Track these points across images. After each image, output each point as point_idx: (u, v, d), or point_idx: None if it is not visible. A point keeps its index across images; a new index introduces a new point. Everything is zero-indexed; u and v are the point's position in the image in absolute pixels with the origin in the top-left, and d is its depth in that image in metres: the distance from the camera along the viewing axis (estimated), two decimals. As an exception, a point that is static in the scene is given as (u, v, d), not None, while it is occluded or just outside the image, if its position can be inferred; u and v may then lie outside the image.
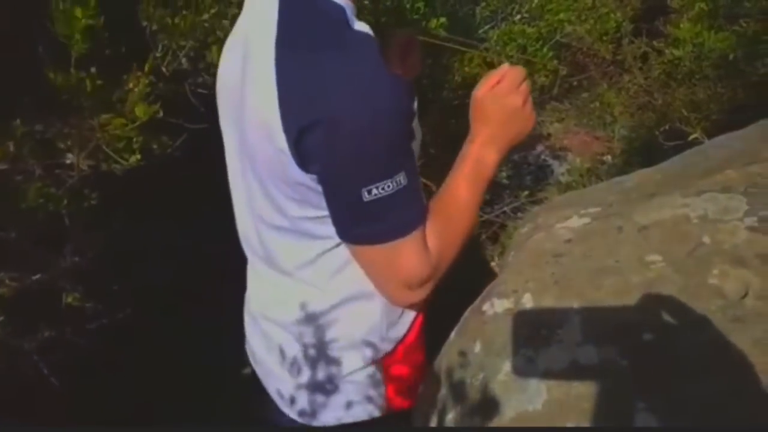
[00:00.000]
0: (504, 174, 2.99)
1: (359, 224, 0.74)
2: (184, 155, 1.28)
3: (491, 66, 2.51)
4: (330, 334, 0.92)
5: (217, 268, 0.95)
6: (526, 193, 3.04)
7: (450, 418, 0.94)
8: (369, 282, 0.87)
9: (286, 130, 0.70)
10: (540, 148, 4.42)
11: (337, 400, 0.94)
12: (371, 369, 0.93)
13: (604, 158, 4.47)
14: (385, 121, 0.69)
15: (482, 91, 0.83)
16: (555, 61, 2.63)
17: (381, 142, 0.69)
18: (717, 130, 1.68)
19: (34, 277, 1.19)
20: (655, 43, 3.26)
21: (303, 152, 0.71)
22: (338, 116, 0.67)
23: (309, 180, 0.74)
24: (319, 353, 0.91)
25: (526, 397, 0.85)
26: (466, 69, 2.32)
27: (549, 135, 4.39)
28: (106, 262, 1.35)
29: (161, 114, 1.20)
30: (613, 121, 4.52)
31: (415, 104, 0.77)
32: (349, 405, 0.94)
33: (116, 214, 1.32)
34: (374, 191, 0.69)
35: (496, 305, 1.03)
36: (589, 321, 0.88)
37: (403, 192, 0.72)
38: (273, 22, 0.73)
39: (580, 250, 1.04)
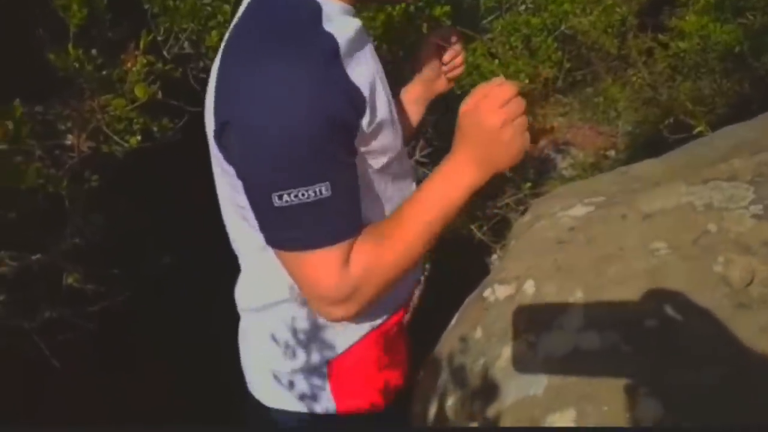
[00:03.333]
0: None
1: (269, 227, 0.72)
2: (185, 138, 1.26)
3: (495, 57, 2.49)
4: (274, 330, 0.92)
5: (218, 251, 0.94)
6: (529, 185, 3.02)
7: (450, 403, 0.94)
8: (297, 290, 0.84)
9: (214, 121, 0.71)
10: (543, 141, 4.40)
11: (285, 389, 0.94)
12: (314, 367, 0.91)
13: (608, 153, 4.46)
14: (297, 130, 0.65)
15: (466, 105, 0.73)
16: (559, 53, 2.60)
17: (293, 150, 0.66)
18: (722, 123, 1.67)
19: (34, 257, 1.19)
20: (660, 36, 3.24)
21: (223, 147, 0.72)
22: (247, 120, 0.66)
23: (235, 172, 0.73)
24: (268, 343, 0.91)
25: (526, 382, 0.84)
26: (470, 59, 2.29)
27: (552, 129, 4.37)
28: (106, 244, 1.35)
29: (160, 95, 1.19)
30: (617, 115, 4.50)
31: (371, 119, 0.73)
32: (295, 396, 0.93)
33: (116, 196, 1.31)
34: (285, 197, 0.67)
35: (497, 292, 1.03)
36: (592, 307, 0.87)
37: (322, 203, 0.68)
38: (240, 13, 0.74)
39: (584, 238, 1.03)
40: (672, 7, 3.35)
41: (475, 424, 0.87)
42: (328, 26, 0.70)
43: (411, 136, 1.14)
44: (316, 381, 0.91)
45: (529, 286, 0.97)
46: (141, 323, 1.62)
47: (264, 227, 0.73)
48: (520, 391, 0.83)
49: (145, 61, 1.18)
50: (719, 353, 0.76)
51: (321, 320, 0.87)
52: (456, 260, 2.88)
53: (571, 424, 0.75)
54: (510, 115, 0.70)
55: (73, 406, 1.51)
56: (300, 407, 0.92)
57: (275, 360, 0.92)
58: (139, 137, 1.24)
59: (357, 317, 0.80)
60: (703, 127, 2.27)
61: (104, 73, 1.18)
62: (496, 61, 2.34)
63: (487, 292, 1.03)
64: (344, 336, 0.90)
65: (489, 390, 0.85)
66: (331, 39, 0.69)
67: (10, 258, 1.15)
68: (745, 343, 0.73)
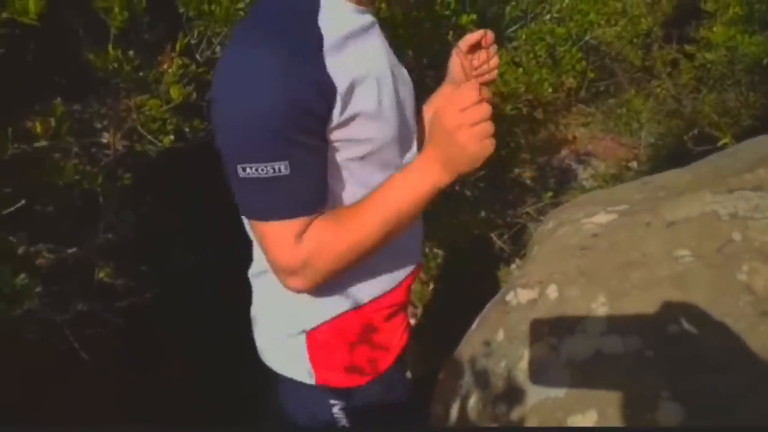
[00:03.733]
0: (528, 175, 2.98)
1: (237, 196, 0.79)
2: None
3: (519, 65, 2.50)
4: (265, 295, 0.99)
5: (244, 252, 0.97)
6: (550, 194, 3.02)
7: (472, 404, 0.95)
8: None
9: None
10: (564, 152, 4.38)
11: (274, 353, 1.00)
12: (293, 336, 0.95)
13: (630, 164, 4.43)
14: (261, 110, 0.72)
15: (441, 106, 0.77)
16: (583, 62, 2.60)
17: (256, 128, 0.73)
18: (748, 135, 1.66)
19: (70, 251, 1.23)
20: (686, 47, 3.22)
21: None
22: (220, 97, 0.74)
23: None
24: (261, 310, 0.99)
25: (548, 385, 0.85)
26: (494, 67, 2.31)
27: (574, 138, 4.36)
28: (137, 241, 1.38)
29: (195, 96, 1.23)
30: (639, 127, 4.46)
31: (343, 110, 0.77)
32: (282, 361, 0.98)
33: (148, 195, 1.36)
34: (248, 170, 0.73)
35: (519, 296, 1.04)
36: (615, 312, 0.88)
37: (280, 180, 0.74)
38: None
39: (607, 244, 1.04)
40: (699, 19, 3.33)
41: (497, 425, 0.88)
42: (322, 21, 0.77)
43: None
44: (299, 350, 0.95)
45: (552, 291, 0.98)
46: (167, 320, 1.65)
47: (234, 196, 0.80)
48: (542, 392, 0.84)
49: (180, 63, 1.22)
50: (742, 361, 0.76)
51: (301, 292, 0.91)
52: (475, 268, 2.88)
53: (594, 425, 0.76)
54: (468, 120, 0.72)
55: (98, 399, 1.55)
56: (291, 374, 0.97)
57: (270, 324, 0.98)
58: (172, 137, 1.27)
59: (321, 292, 0.87)
60: (729, 139, 2.25)
61: (141, 74, 1.22)
62: (520, 69, 2.36)
63: (509, 296, 1.04)
64: (322, 310, 0.93)
65: (511, 392, 0.86)
66: (318, 34, 0.75)
67: (48, 251, 1.19)
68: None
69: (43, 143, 1.17)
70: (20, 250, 1.15)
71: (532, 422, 0.82)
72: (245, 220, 0.87)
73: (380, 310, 0.97)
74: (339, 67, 0.76)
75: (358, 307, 0.94)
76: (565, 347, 0.86)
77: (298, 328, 0.94)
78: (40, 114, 1.21)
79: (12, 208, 1.08)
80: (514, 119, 2.47)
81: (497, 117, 2.33)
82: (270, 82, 0.72)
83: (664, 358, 0.78)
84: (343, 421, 0.98)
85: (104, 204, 1.27)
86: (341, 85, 0.77)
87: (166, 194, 1.55)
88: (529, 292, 1.02)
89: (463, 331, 1.32)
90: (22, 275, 1.12)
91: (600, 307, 0.89)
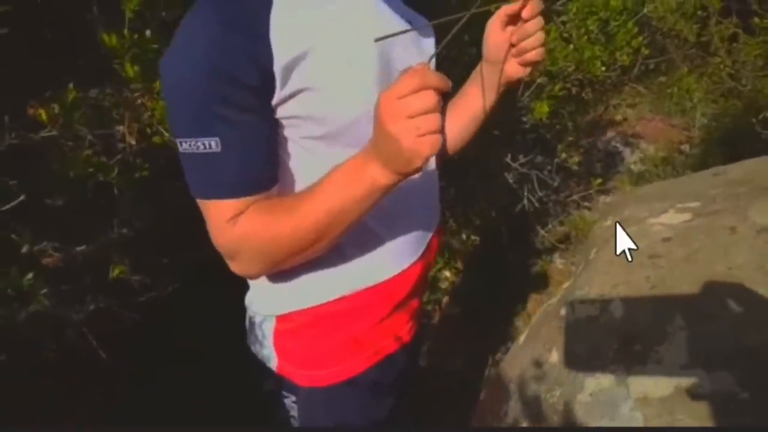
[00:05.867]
0: (575, 159, 2.80)
1: (185, 170, 0.77)
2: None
3: (568, 42, 2.31)
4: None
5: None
6: (599, 181, 2.83)
7: (520, 436, 0.83)
8: None
9: None
10: (611, 133, 4.16)
11: (251, 332, 0.98)
12: (266, 317, 0.93)
13: (682, 147, 4.17)
14: (188, 85, 0.70)
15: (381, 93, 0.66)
16: (639, 38, 2.39)
17: (185, 103, 0.72)
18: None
19: (79, 249, 1.15)
20: (752, 20, 2.96)
21: None
22: (162, 70, 0.73)
23: None
24: (249, 291, 0.98)
25: (615, 425, 0.72)
26: (541, 44, 2.13)
27: (624, 120, 4.12)
28: (154, 235, 1.30)
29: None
30: (692, 107, 4.19)
31: (285, 83, 0.72)
32: (257, 341, 0.96)
33: (166, 187, 1.26)
34: (184, 145, 0.72)
35: (577, 311, 0.90)
36: (698, 339, 0.73)
37: (211, 157, 0.72)
38: None
39: (683, 252, 0.89)
40: (763, -10, 3.06)
41: (549, 465, 0.76)
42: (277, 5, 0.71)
43: (470, 123, 1.03)
44: (267, 332, 0.93)
45: (617, 307, 0.84)
46: (186, 314, 1.58)
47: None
48: (608, 434, 0.71)
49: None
50: None
51: (285, 270, 0.87)
52: (514, 259, 2.73)
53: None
54: (404, 110, 0.61)
55: (117, 396, 1.49)
56: (259, 353, 0.96)
57: (251, 304, 0.96)
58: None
59: (299, 279, 0.84)
60: (804, 123, 2.03)
61: (151, 57, 1.11)
62: (570, 46, 2.17)
63: (564, 310, 0.91)
64: (296, 297, 0.88)
65: (568, 430, 0.73)
66: (266, 2, 0.71)
67: (54, 249, 1.12)
68: None
69: (52, 132, 1.08)
70: (25, 249, 1.07)
71: (595, 470, 0.69)
72: None
73: (364, 306, 0.88)
74: (287, 35, 0.70)
75: (332, 302, 0.87)
76: (636, 381, 0.72)
77: (270, 310, 0.91)
78: (51, 100, 1.13)
79: (13, 203, 1.01)
80: (561, 99, 2.29)
81: (547, 96, 2.16)
82: (196, 53, 0.69)
83: (763, 402, 0.64)
84: (294, 412, 0.96)
85: (119, 197, 1.18)
86: (284, 55, 0.70)
87: (185, 186, 1.46)
88: (587, 307, 0.88)
89: (498, 325, 1.19)
90: (30, 275, 1.05)
91: (678, 332, 0.75)
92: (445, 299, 2.76)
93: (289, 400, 0.97)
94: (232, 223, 0.77)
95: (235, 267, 0.81)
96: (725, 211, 0.94)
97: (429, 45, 0.88)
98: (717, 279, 0.80)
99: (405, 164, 0.65)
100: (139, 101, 1.14)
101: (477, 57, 0.96)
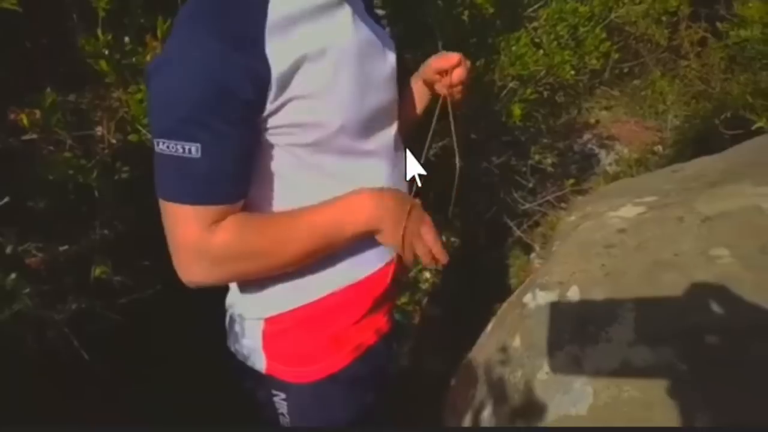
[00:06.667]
0: (549, 161, 2.87)
1: (155, 170, 0.78)
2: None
3: (539, 47, 2.38)
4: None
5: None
6: (572, 181, 2.90)
7: (486, 417, 0.87)
8: None
9: None
10: (587, 136, 4.25)
11: (233, 335, 0.99)
12: (253, 321, 0.93)
13: (655, 149, 4.27)
14: (180, 90, 0.72)
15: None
16: (607, 43, 2.47)
17: (172, 106, 0.72)
18: (786, 118, 1.54)
19: (62, 248, 1.18)
20: (718, 24, 3.06)
21: None
22: (151, 69, 0.74)
23: None
24: (231, 295, 0.99)
25: (569, 399, 0.77)
26: (514, 48, 2.20)
27: (597, 122, 4.22)
28: (136, 236, 1.33)
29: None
30: (665, 109, 4.30)
31: (278, 94, 0.75)
32: (238, 344, 0.97)
33: (147, 188, 1.29)
34: (161, 145, 0.73)
35: (538, 297, 0.96)
36: (645, 319, 0.79)
37: (189, 162, 0.73)
38: None
39: (635, 241, 0.95)
40: (728, -5, 3.16)
41: (511, 441, 0.81)
42: (273, 14, 0.75)
43: (408, 120, 1.12)
44: (255, 335, 0.93)
45: (574, 293, 0.90)
46: (170, 316, 1.61)
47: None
48: (562, 408, 0.76)
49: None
50: (792, 377, 0.67)
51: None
52: (492, 258, 2.79)
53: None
54: (415, 227, 0.83)
55: (101, 397, 1.51)
56: (244, 357, 0.96)
57: (234, 307, 0.97)
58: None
59: (285, 281, 0.86)
60: (764, 123, 2.12)
61: (131, 61, 1.15)
62: (541, 51, 2.24)
63: (527, 298, 0.96)
64: (284, 299, 0.90)
65: (528, 406, 0.78)
66: (263, 13, 0.74)
67: (37, 249, 1.14)
68: (825, 368, 0.64)
69: (32, 136, 1.11)
70: (8, 249, 1.09)
71: (551, 442, 0.74)
72: None
73: (346, 304, 0.92)
74: (281, 48, 0.74)
75: (320, 299, 0.90)
76: (588, 358, 0.78)
77: (257, 313, 0.92)
78: (31, 105, 1.16)
79: (-1, 204, 1.03)
80: (533, 103, 2.36)
81: (519, 100, 2.22)
82: (195, 62, 0.71)
83: (702, 375, 0.70)
84: (283, 410, 0.96)
85: (100, 199, 1.21)
86: (279, 68, 0.74)
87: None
88: (548, 294, 0.93)
89: (477, 324, 1.25)
90: (13, 275, 1.07)
91: (627, 313, 0.81)
92: (426, 300, 2.81)
93: (279, 398, 0.97)
94: (208, 230, 0.77)
95: (192, 270, 0.80)
96: (676, 203, 1.00)
97: (392, 58, 0.94)
98: (664, 265, 0.86)
99: (386, 235, 0.82)
100: (115, 95, 1.17)
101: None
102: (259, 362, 0.95)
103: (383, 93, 0.91)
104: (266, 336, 0.93)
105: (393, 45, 0.97)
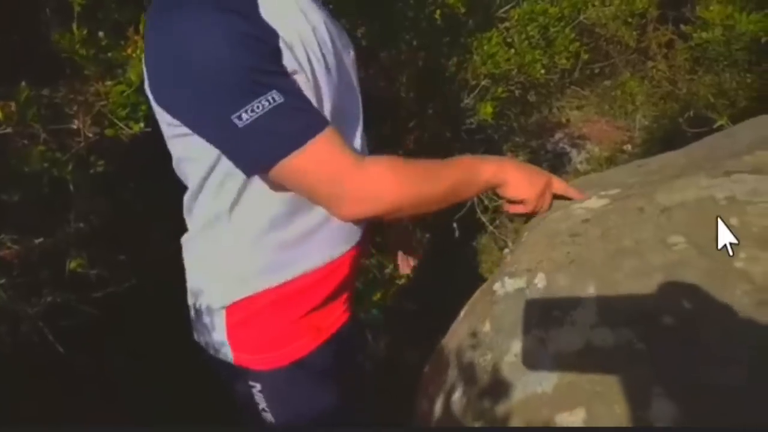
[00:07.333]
0: (521, 159, 2.93)
1: (250, 151, 0.75)
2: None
3: (511, 46, 2.44)
4: (192, 263, 1.01)
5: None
6: (543, 179, 2.96)
7: (456, 399, 0.91)
8: (212, 222, 0.91)
9: (151, 82, 0.82)
10: (558, 135, 4.34)
11: (199, 328, 0.99)
12: (215, 311, 0.94)
13: (624, 147, 4.38)
14: (226, 60, 0.71)
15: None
16: (576, 43, 2.54)
17: (226, 73, 0.71)
18: (745, 117, 1.61)
19: (37, 241, 1.18)
20: (682, 26, 3.16)
21: (164, 104, 0.82)
22: (182, 64, 0.73)
23: (186, 122, 0.80)
24: (190, 278, 1.00)
25: (535, 378, 0.81)
26: (485, 48, 2.25)
27: (568, 122, 4.31)
28: (112, 230, 1.33)
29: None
30: (634, 110, 4.41)
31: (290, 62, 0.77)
32: (207, 332, 0.97)
33: (122, 182, 1.29)
34: (244, 116, 0.71)
35: (507, 285, 0.99)
36: (606, 303, 0.83)
37: (282, 107, 0.73)
38: None
39: (598, 231, 0.99)
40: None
41: (482, 422, 0.84)
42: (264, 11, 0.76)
43: None
44: (219, 326, 0.94)
45: (540, 280, 0.94)
46: (146, 310, 1.61)
47: (245, 154, 0.76)
48: (529, 387, 0.80)
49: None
50: (738, 354, 0.72)
51: (229, 259, 0.90)
52: (466, 253, 2.84)
53: (581, 425, 0.72)
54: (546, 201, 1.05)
55: (76, 392, 1.51)
56: (213, 350, 0.97)
57: (197, 296, 0.98)
58: (142, 124, 1.22)
59: (243, 266, 0.89)
60: (725, 121, 2.21)
61: (109, 54, 1.16)
62: (512, 50, 2.30)
63: (496, 285, 1.00)
64: (243, 284, 0.91)
65: (497, 386, 0.82)
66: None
67: (12, 241, 1.14)
68: (767, 342, 0.69)
69: (6, 129, 1.11)
70: (-17, 242, 1.09)
71: (517, 419, 0.78)
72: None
73: (306, 289, 0.94)
74: (278, 20, 0.77)
75: (281, 285, 0.92)
76: (553, 340, 0.82)
77: (219, 302, 0.92)
78: (5, 98, 1.16)
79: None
80: (505, 102, 2.42)
81: (491, 98, 2.28)
82: (222, 29, 0.71)
83: (656, 352, 0.74)
84: (263, 404, 0.96)
85: (75, 192, 1.21)
86: (283, 34, 0.77)
87: (142, 181, 1.50)
88: (516, 281, 0.97)
89: (452, 317, 1.28)
90: (-13, 268, 1.07)
91: (590, 298, 0.85)
92: (401, 295, 2.85)
93: (255, 390, 0.97)
94: (345, 148, 0.78)
95: (367, 207, 0.81)
96: (637, 195, 1.05)
97: (353, 55, 0.99)
98: (625, 252, 0.91)
99: (517, 182, 0.97)
100: (93, 88, 1.18)
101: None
102: (227, 353, 0.96)
103: (352, 87, 0.94)
104: (229, 326, 0.94)
105: (351, 44, 1.00)
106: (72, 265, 1.23)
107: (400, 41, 2.12)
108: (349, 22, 2.09)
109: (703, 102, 2.73)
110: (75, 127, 1.29)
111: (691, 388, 0.70)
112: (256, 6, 0.76)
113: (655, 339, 0.76)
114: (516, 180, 0.97)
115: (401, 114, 2.28)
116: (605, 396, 0.73)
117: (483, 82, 2.25)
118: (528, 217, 1.10)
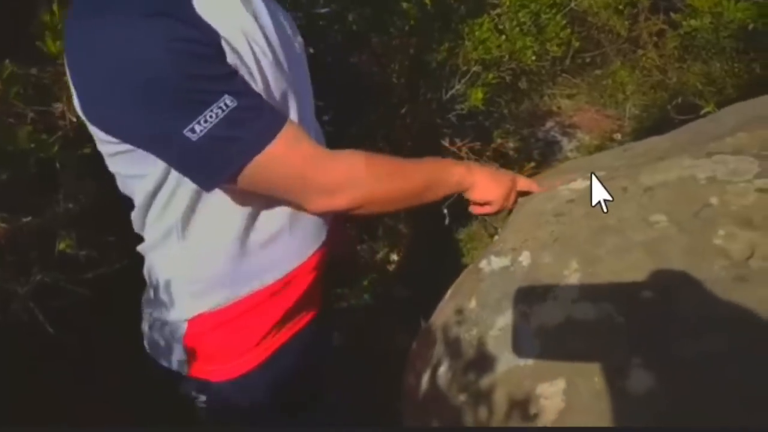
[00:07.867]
0: (511, 146, 2.94)
1: (208, 164, 0.69)
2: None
3: (502, 32, 2.44)
4: (147, 275, 0.98)
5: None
6: (532, 164, 2.98)
7: (441, 373, 0.93)
8: (164, 237, 0.87)
9: (81, 100, 0.76)
10: (549, 123, 4.36)
11: (154, 338, 0.96)
12: (175, 323, 0.91)
13: (614, 136, 4.41)
14: (166, 70, 0.65)
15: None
16: (568, 30, 2.55)
17: (169, 85, 0.66)
18: (731, 104, 1.63)
19: (25, 220, 1.18)
20: (672, 14, 3.18)
21: (95, 121, 0.77)
22: (115, 85, 0.67)
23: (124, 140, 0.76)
24: (147, 290, 0.98)
25: (518, 352, 0.83)
26: (477, 33, 2.25)
27: (559, 110, 4.32)
28: (101, 210, 1.33)
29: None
30: (625, 99, 4.44)
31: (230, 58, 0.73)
32: (161, 346, 0.94)
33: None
34: (197, 128, 0.66)
35: (493, 263, 1.01)
36: (587, 279, 0.85)
37: (238, 110, 0.68)
38: None
39: (583, 210, 1.01)
40: (685, -12, 3.28)
41: (466, 394, 0.86)
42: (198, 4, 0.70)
43: None
44: (177, 338, 0.91)
45: (525, 258, 0.95)
46: (137, 291, 1.61)
47: (203, 169, 0.70)
48: (512, 360, 0.82)
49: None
50: (715, 327, 0.74)
51: (184, 274, 0.87)
52: (456, 240, 2.86)
53: (561, 395, 0.74)
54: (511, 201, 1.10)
55: (67, 372, 1.51)
56: (166, 362, 0.94)
57: (155, 307, 0.95)
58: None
59: (204, 281, 0.85)
60: (712, 108, 2.23)
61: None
62: (503, 36, 2.30)
63: (482, 264, 1.01)
64: (205, 298, 0.88)
65: (481, 360, 0.84)
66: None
67: (1, 220, 1.14)
68: (743, 316, 0.71)
69: (-8, 108, 1.11)
70: (-29, 220, 1.09)
71: (500, 391, 0.80)
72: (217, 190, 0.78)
73: (265, 301, 0.91)
74: (214, 16, 0.71)
75: (242, 297, 0.89)
76: (536, 314, 0.83)
77: (181, 315, 0.89)
78: (-9, 77, 1.15)
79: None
80: (496, 88, 2.42)
81: (482, 84, 2.29)
82: (152, 38, 0.64)
83: (635, 325, 0.76)
84: (203, 414, 0.96)
85: (62, 173, 1.21)
86: (222, 31, 0.71)
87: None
88: (502, 260, 0.99)
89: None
90: (-24, 246, 1.07)
91: (572, 274, 0.87)
92: (392, 281, 2.87)
93: (201, 401, 0.95)
94: (330, 156, 0.78)
95: (340, 199, 0.79)
96: (622, 176, 1.07)
97: (301, 41, 0.94)
98: (608, 230, 0.93)
99: (480, 192, 1.02)
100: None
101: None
102: (183, 365, 0.93)
103: (302, 76, 0.92)
104: (188, 338, 0.91)
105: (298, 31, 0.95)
106: (61, 245, 1.23)
107: (391, 27, 2.12)
108: (340, 8, 2.09)
109: (691, 90, 2.75)
110: (60, 110, 1.29)
111: (668, 359, 0.72)
112: (189, 2, 0.69)
113: (635, 312, 0.78)
114: (483, 182, 1.00)
115: (392, 100, 2.28)
116: (585, 367, 0.75)
117: (474, 68, 2.25)
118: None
